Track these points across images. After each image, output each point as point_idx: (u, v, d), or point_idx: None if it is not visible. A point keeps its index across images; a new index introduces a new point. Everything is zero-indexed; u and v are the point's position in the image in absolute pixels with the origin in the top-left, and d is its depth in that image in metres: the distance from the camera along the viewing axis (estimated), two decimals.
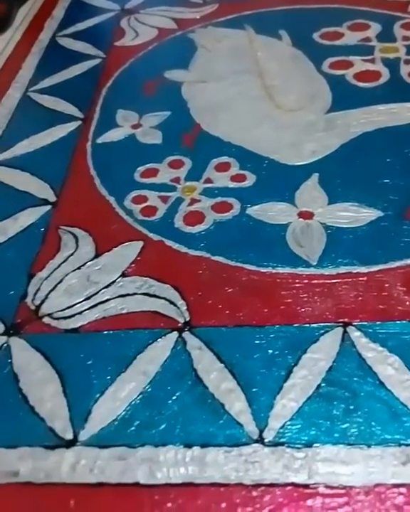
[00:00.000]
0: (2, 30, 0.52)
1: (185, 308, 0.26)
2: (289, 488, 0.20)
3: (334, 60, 0.40)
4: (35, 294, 0.28)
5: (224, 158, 0.34)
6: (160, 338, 0.25)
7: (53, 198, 0.33)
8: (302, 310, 0.25)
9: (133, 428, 0.22)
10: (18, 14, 0.54)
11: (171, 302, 0.26)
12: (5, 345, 0.25)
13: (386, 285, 0.25)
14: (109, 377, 0.24)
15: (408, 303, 0.25)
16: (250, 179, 0.32)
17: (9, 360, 0.25)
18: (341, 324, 0.24)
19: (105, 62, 0.44)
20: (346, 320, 0.24)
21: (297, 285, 0.26)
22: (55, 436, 0.22)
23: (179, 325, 0.25)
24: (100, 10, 0.51)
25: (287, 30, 0.44)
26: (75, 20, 0.50)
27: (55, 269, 0.29)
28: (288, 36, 0.43)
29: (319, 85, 0.38)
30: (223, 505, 0.19)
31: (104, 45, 0.46)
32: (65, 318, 0.27)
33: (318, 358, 0.23)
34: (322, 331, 0.24)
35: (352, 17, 0.44)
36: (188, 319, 0.25)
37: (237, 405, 0.22)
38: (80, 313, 0.27)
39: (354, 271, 0.26)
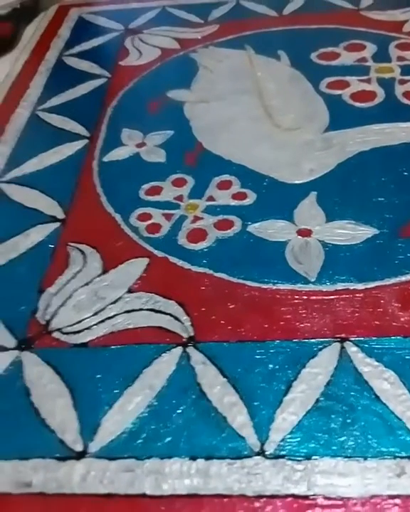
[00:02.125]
0: (9, 49, 0.53)
1: (189, 323, 0.27)
2: (289, 499, 0.21)
3: (332, 80, 0.42)
4: (46, 309, 0.29)
5: (226, 177, 0.35)
6: (165, 352, 0.26)
7: (61, 215, 0.34)
8: (301, 325, 0.26)
9: (140, 441, 0.23)
10: (25, 33, 0.55)
11: (176, 318, 0.27)
12: (17, 359, 0.27)
13: (382, 301, 0.26)
14: (117, 391, 0.25)
15: (403, 319, 0.26)
16: (251, 197, 0.33)
17: (21, 374, 0.26)
18: (338, 340, 0.25)
19: (110, 82, 0.46)
20: (343, 335, 0.25)
21: (297, 301, 0.27)
22: (66, 448, 0.23)
23: (184, 340, 0.26)
24: (104, 29, 0.53)
25: (285, 50, 0.45)
26: (80, 40, 0.52)
27: (64, 285, 0.30)
28: (287, 56, 0.45)
29: (317, 105, 0.39)
30: None
31: (109, 65, 0.48)
32: (74, 333, 0.28)
33: (317, 373, 0.24)
34: (321, 346, 0.25)
35: (349, 37, 0.45)
36: (192, 334, 0.27)
37: (239, 419, 0.23)
38: (88, 328, 0.28)
39: (351, 287, 0.27)
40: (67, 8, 0.57)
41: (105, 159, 0.38)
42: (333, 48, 0.45)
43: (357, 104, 0.39)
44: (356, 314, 0.26)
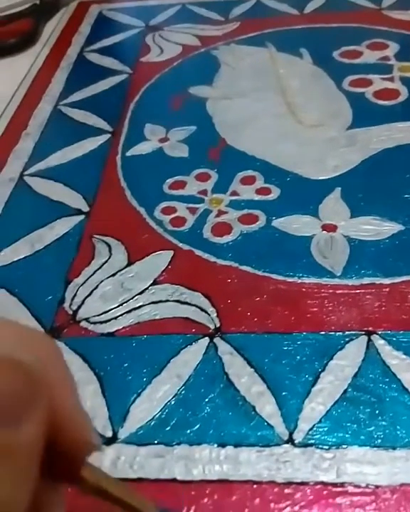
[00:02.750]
0: (30, 44, 0.54)
1: (215, 315, 0.27)
2: (319, 486, 0.21)
3: (354, 78, 0.42)
4: (72, 299, 0.29)
5: (249, 172, 0.35)
6: (192, 343, 0.26)
7: (86, 208, 0.35)
8: (328, 318, 0.26)
9: (169, 427, 0.23)
10: (46, 29, 0.56)
11: (202, 309, 0.28)
12: None
13: (409, 296, 0.27)
14: (145, 379, 0.25)
15: None
16: (275, 192, 0.34)
17: None
18: (365, 333, 0.25)
19: (132, 78, 0.46)
20: (370, 329, 0.26)
21: (323, 295, 0.27)
22: (97, 434, 0.23)
23: (210, 331, 0.27)
24: (125, 26, 0.54)
25: (307, 48, 0.45)
26: (101, 36, 0.52)
27: (90, 275, 0.30)
28: (309, 54, 0.45)
29: (340, 102, 0.40)
30: (257, 501, 0.21)
31: (130, 61, 0.48)
32: (101, 322, 0.28)
33: (344, 365, 0.24)
34: (348, 339, 0.25)
35: (371, 36, 0.46)
36: (218, 326, 0.27)
37: (267, 408, 0.23)
38: (115, 318, 0.28)
39: (377, 282, 0.28)
40: (87, 5, 0.58)
41: (128, 154, 0.38)
42: (355, 46, 0.45)
43: (380, 102, 0.39)
44: (383, 308, 0.26)
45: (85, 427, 0.13)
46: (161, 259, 0.31)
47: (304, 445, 0.22)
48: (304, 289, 0.28)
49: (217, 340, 0.26)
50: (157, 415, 0.24)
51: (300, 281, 0.28)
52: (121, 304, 0.29)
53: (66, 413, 0.12)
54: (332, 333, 0.26)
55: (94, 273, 0.30)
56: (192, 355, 0.26)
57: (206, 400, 0.24)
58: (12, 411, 0.10)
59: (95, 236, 0.33)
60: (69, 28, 0.55)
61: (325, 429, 0.22)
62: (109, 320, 0.28)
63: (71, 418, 0.12)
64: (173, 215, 0.33)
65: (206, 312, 0.28)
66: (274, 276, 0.29)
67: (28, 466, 0.10)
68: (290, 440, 0.22)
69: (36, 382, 0.11)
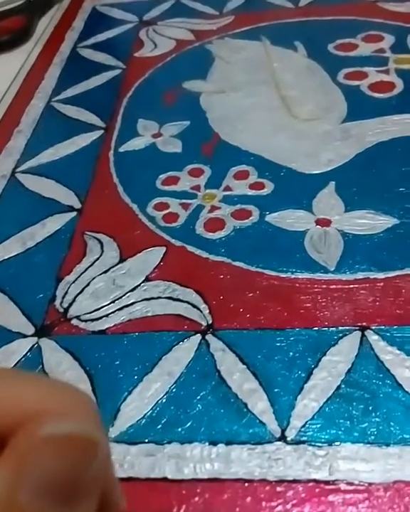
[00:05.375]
0: (23, 41, 0.53)
1: (207, 311, 0.27)
2: (311, 484, 0.20)
3: (349, 70, 0.41)
4: (63, 297, 0.29)
5: (243, 167, 0.35)
6: (184, 340, 0.26)
7: (78, 205, 0.34)
8: (321, 314, 0.26)
9: (160, 426, 0.23)
10: (39, 26, 0.55)
11: (194, 306, 0.27)
12: (36, 346, 0.27)
13: (403, 291, 0.26)
14: (136, 377, 0.25)
15: None
16: (269, 187, 0.33)
17: (40, 361, 0.26)
18: (359, 328, 0.25)
19: (125, 73, 0.46)
20: (364, 324, 0.25)
21: (316, 290, 0.27)
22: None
23: (202, 328, 0.26)
24: (118, 21, 0.53)
25: (302, 41, 0.45)
26: (94, 32, 0.52)
27: (82, 273, 0.30)
28: (303, 47, 0.44)
29: (335, 96, 0.39)
30: (248, 499, 0.20)
31: (123, 56, 0.48)
32: (92, 320, 0.28)
33: (337, 361, 0.24)
34: (341, 335, 0.25)
35: (366, 29, 0.45)
36: (210, 322, 0.27)
37: (259, 405, 0.23)
38: (106, 315, 0.28)
39: (372, 276, 0.27)
40: (80, 0, 0.57)
41: (121, 149, 0.38)
42: (350, 39, 0.44)
43: (376, 95, 0.39)
44: (377, 303, 0.26)
45: (122, 496, 0.13)
46: (153, 256, 0.30)
47: (296, 442, 0.22)
48: (297, 285, 0.27)
49: (209, 336, 0.26)
50: (148, 413, 0.23)
51: (293, 276, 0.28)
52: (113, 301, 0.28)
53: (111, 483, 0.12)
54: (325, 328, 0.25)
55: (85, 270, 0.30)
56: (184, 352, 0.25)
57: (198, 397, 0.24)
58: (74, 491, 0.10)
59: (86, 233, 0.32)
60: (62, 24, 0.54)
61: (318, 426, 0.22)
62: (100, 317, 0.28)
63: (115, 487, 0.12)
64: (166, 211, 0.33)
65: (198, 309, 0.27)
66: (267, 271, 0.28)
67: None
68: (283, 437, 0.22)
69: (102, 461, 0.11)
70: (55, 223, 0.33)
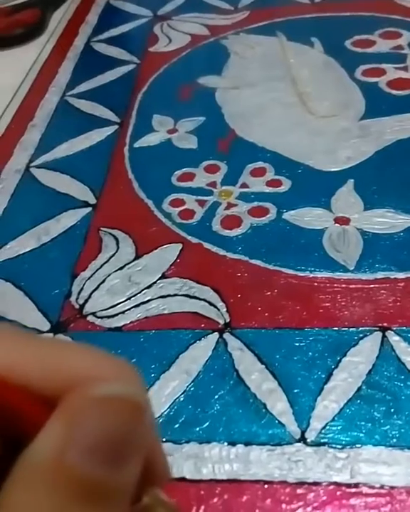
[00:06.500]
0: (37, 35, 0.53)
1: (225, 309, 0.27)
2: (332, 487, 0.20)
3: (367, 67, 0.41)
4: (79, 293, 0.29)
5: (259, 164, 0.35)
6: (201, 338, 0.26)
7: (93, 201, 0.34)
8: (341, 314, 0.26)
9: (177, 425, 0.23)
10: (52, 19, 0.55)
11: (211, 304, 0.27)
12: None
13: None
14: (153, 375, 0.25)
15: None
16: (286, 184, 0.33)
17: None
18: (379, 329, 0.25)
19: (140, 68, 0.45)
20: (384, 324, 0.25)
21: (336, 289, 0.27)
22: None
23: (220, 326, 0.26)
24: (132, 16, 0.53)
25: (318, 37, 0.44)
26: (108, 26, 0.51)
27: (98, 269, 0.30)
28: (320, 43, 0.44)
29: (352, 92, 0.39)
30: (268, 501, 0.20)
31: (138, 51, 0.47)
32: (108, 317, 0.27)
33: (358, 361, 0.24)
34: (361, 335, 0.25)
35: (384, 25, 0.44)
36: (228, 321, 0.26)
37: (279, 405, 0.23)
38: (122, 312, 0.27)
39: (392, 276, 0.27)
40: None
41: (136, 145, 0.38)
42: (368, 35, 0.44)
43: (394, 92, 0.38)
44: (398, 303, 0.26)
45: (168, 463, 0.13)
46: (169, 253, 0.30)
47: (316, 444, 0.21)
48: (316, 284, 0.27)
49: (227, 335, 0.26)
50: (166, 412, 0.23)
51: (312, 275, 0.28)
52: (129, 298, 0.28)
53: (157, 451, 0.12)
54: (345, 328, 0.25)
55: (101, 266, 0.30)
56: (201, 350, 0.25)
57: (216, 396, 0.23)
58: (121, 451, 0.10)
59: (102, 229, 0.32)
60: (76, 18, 0.54)
61: (339, 427, 0.22)
62: (116, 314, 0.27)
63: (160, 456, 0.12)
64: (181, 208, 0.33)
65: (215, 307, 0.27)
66: (285, 270, 0.28)
67: (122, 508, 0.10)
68: (302, 439, 0.22)
69: (147, 424, 0.11)
70: (70, 219, 0.33)
